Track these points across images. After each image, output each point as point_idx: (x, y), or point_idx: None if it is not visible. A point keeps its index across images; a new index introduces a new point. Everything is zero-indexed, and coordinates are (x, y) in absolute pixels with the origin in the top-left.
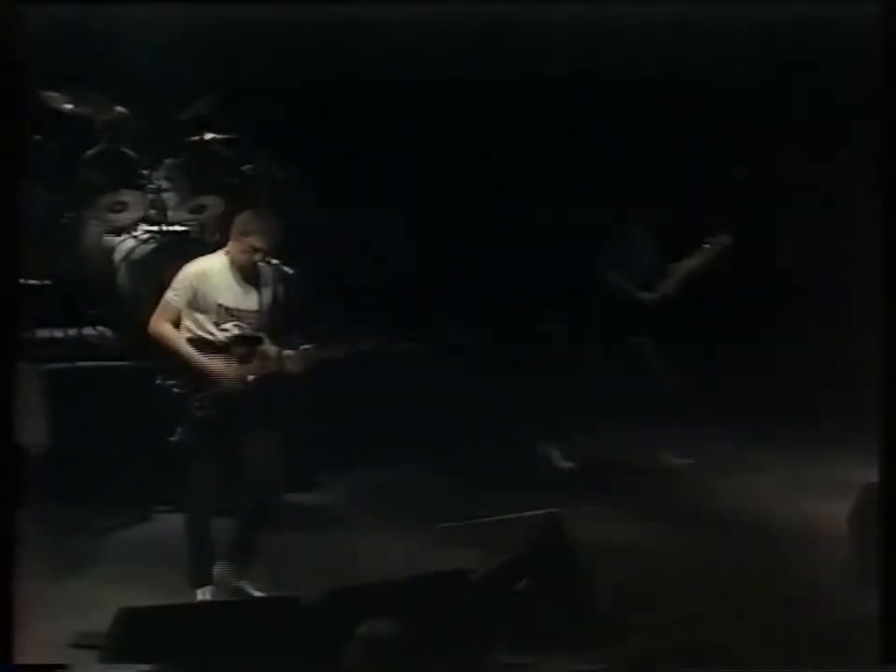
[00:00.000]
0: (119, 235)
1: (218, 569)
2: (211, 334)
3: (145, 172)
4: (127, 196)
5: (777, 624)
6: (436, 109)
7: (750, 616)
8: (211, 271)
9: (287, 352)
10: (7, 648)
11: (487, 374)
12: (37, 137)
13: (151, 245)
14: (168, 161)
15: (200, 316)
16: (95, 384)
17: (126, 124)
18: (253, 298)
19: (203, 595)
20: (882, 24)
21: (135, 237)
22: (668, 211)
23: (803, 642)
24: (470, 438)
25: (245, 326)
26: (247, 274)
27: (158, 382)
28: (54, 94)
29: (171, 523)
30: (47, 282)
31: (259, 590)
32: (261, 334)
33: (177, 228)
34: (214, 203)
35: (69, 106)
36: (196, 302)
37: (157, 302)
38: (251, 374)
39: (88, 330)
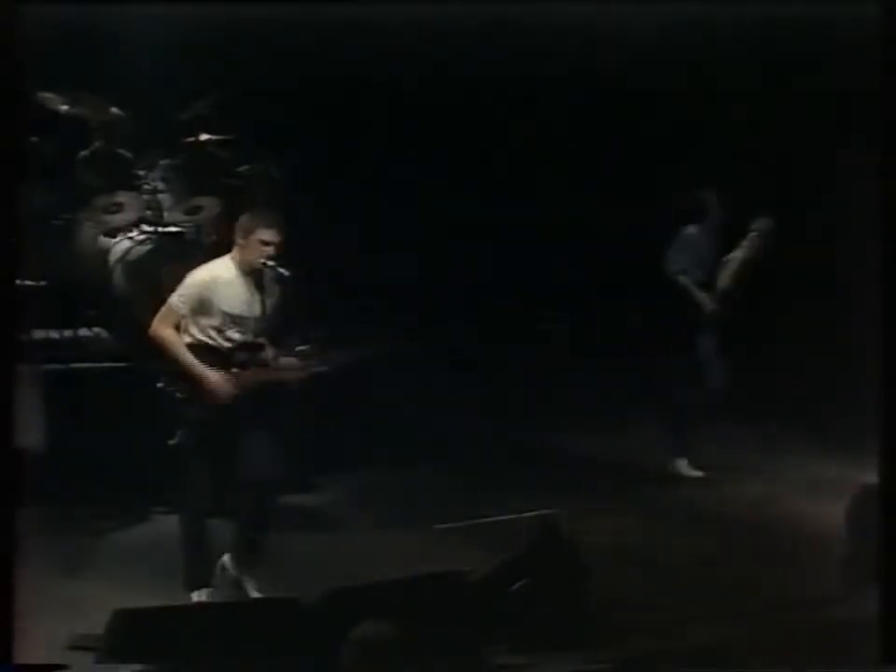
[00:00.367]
0: (114, 236)
1: (219, 568)
2: (213, 340)
3: (140, 173)
4: (123, 197)
5: (775, 624)
6: (434, 109)
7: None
8: (218, 278)
9: (288, 359)
10: (7, 648)
11: (486, 375)
12: (33, 138)
13: (147, 247)
14: (164, 161)
15: (203, 322)
16: (91, 385)
17: (122, 125)
18: (257, 304)
19: (200, 596)
20: (882, 24)
21: (131, 238)
22: (722, 207)
23: (801, 641)
24: (469, 438)
25: (247, 332)
26: (253, 280)
27: (159, 385)
28: (50, 95)
29: (167, 524)
30: (42, 283)
31: (257, 590)
32: (263, 340)
33: (173, 229)
34: (210, 205)
35: (65, 107)
36: (201, 309)
37: (155, 305)
38: (251, 380)
39: (83, 332)
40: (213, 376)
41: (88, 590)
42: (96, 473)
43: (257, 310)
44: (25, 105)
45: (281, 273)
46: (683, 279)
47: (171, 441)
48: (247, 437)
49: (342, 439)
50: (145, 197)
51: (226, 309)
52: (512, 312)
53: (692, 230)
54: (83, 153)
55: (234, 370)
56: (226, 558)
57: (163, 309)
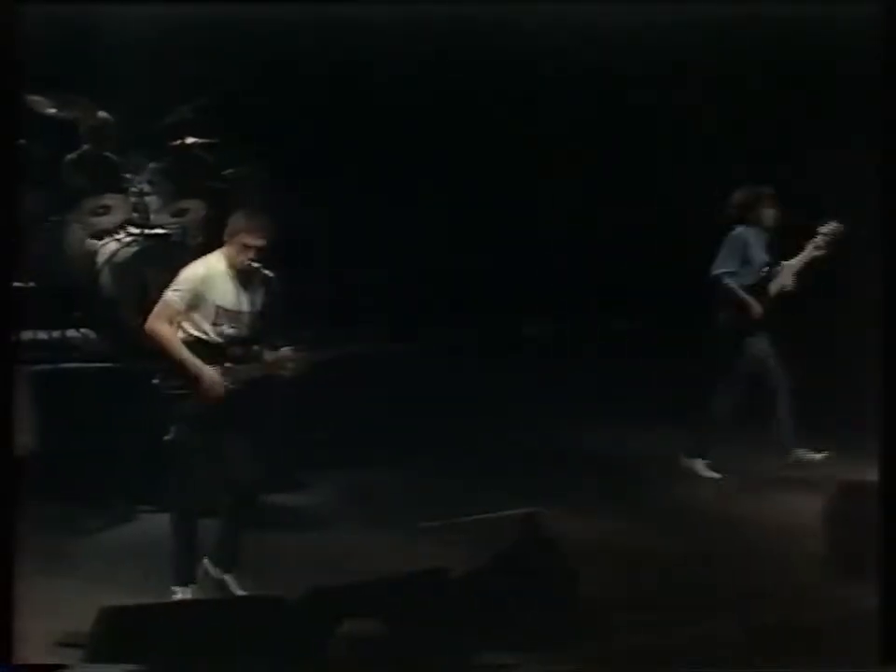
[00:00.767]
0: (101, 238)
1: (203, 566)
2: (207, 335)
3: (128, 175)
4: (110, 199)
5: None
6: (420, 108)
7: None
8: (213, 273)
9: (280, 353)
10: (7, 648)
11: (473, 375)
12: (22, 141)
13: (134, 248)
14: (151, 164)
15: (197, 317)
16: (79, 385)
17: (109, 128)
18: (247, 300)
19: (186, 594)
20: (882, 24)
21: (118, 240)
22: (776, 209)
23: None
24: (455, 438)
25: (240, 327)
26: (243, 277)
27: (154, 381)
28: (39, 98)
29: (153, 523)
30: (31, 284)
31: (243, 588)
32: (255, 336)
33: (160, 231)
34: (196, 207)
35: (53, 110)
36: (196, 304)
37: (142, 305)
38: (244, 375)
39: (71, 332)
40: (209, 372)
41: (73, 588)
42: (84, 473)
43: (247, 306)
44: (23, 108)
45: (265, 275)
46: (729, 282)
47: (166, 437)
48: (233, 436)
49: (328, 439)
50: (132, 199)
51: (220, 303)
52: (501, 313)
53: (740, 231)
54: (71, 156)
55: (228, 364)
56: (206, 562)
57: (159, 304)
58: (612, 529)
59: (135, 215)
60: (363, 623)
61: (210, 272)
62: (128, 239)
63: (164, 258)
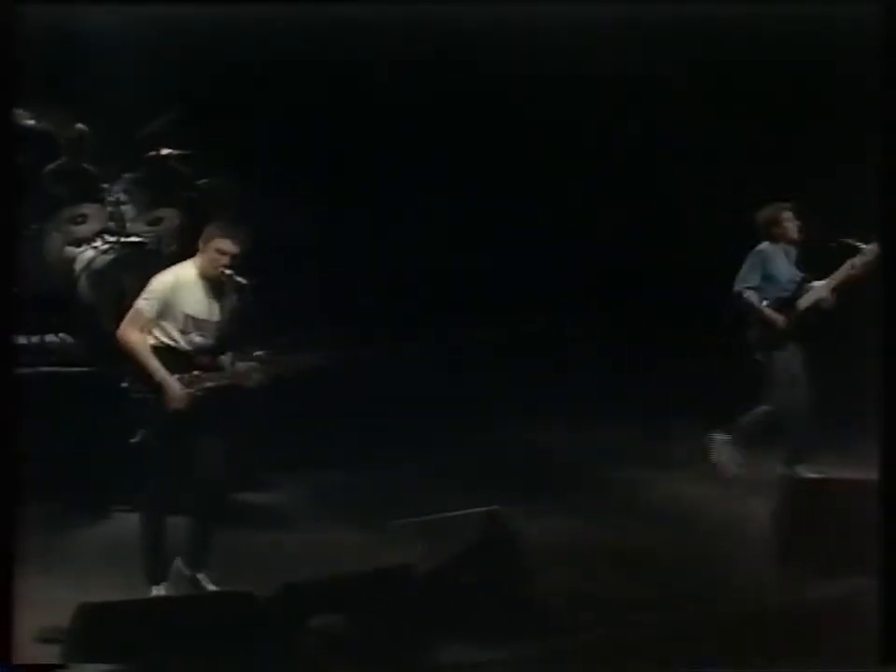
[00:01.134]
0: (79, 246)
1: (175, 565)
2: (176, 342)
3: (104, 186)
4: (87, 209)
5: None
6: (407, 112)
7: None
8: (182, 281)
9: (247, 363)
10: (7, 648)
11: (442, 378)
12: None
13: (110, 256)
14: (126, 175)
15: (167, 325)
16: (57, 387)
17: (87, 140)
18: (216, 309)
19: (159, 590)
20: (882, 24)
21: (95, 248)
22: (800, 225)
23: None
24: (421, 439)
25: (208, 336)
26: (213, 286)
27: (123, 385)
28: (18, 111)
29: (129, 521)
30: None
31: (215, 584)
32: (224, 344)
33: (135, 239)
34: (170, 216)
35: (32, 122)
36: (165, 312)
37: (118, 311)
38: (210, 383)
39: (50, 337)
40: (174, 382)
41: (51, 586)
42: (62, 472)
43: (217, 314)
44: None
45: (238, 282)
46: (751, 296)
47: (132, 440)
48: (202, 439)
49: (298, 440)
50: (108, 209)
51: (189, 312)
52: (474, 316)
53: (763, 247)
54: (50, 167)
55: (196, 372)
56: (178, 562)
57: (131, 312)
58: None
59: (112, 223)
60: (332, 618)
61: (179, 281)
62: (105, 247)
63: (140, 265)
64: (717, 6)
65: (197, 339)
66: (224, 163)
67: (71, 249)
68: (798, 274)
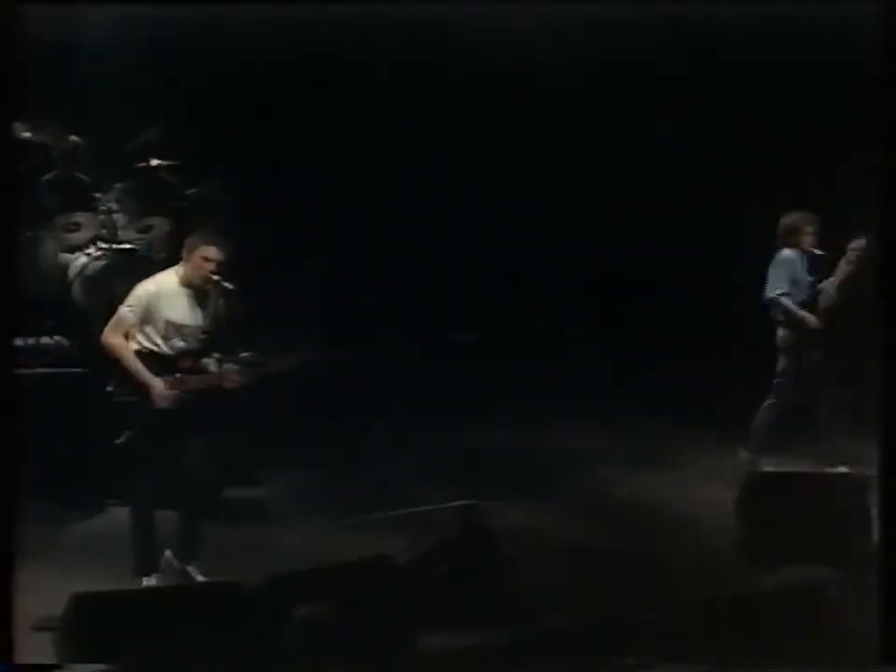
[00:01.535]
0: (73, 253)
1: (167, 555)
2: (158, 347)
3: (97, 195)
4: (80, 217)
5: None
6: (385, 112)
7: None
8: (163, 289)
9: (228, 366)
10: (8, 648)
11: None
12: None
13: (102, 262)
14: (118, 185)
15: (150, 330)
16: (53, 387)
17: (80, 151)
18: (199, 315)
19: (150, 581)
20: (882, 24)
21: (88, 254)
22: (818, 233)
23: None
24: (393, 439)
25: (190, 340)
26: (196, 293)
27: (108, 389)
28: (15, 123)
29: (121, 515)
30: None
31: (203, 575)
32: (205, 349)
33: (126, 246)
34: (160, 224)
35: (28, 134)
36: (148, 318)
37: (109, 315)
38: (194, 385)
39: (45, 339)
40: (156, 383)
41: (46, 577)
42: (56, 469)
43: (199, 320)
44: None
45: (225, 286)
46: (786, 301)
47: (117, 441)
48: (188, 438)
49: (282, 438)
50: (101, 217)
51: (170, 318)
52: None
53: (787, 253)
54: (45, 177)
55: (178, 375)
56: (168, 553)
57: (114, 318)
58: None
59: (104, 231)
60: (314, 606)
61: (161, 288)
62: (97, 253)
63: (131, 271)
64: (717, 6)
65: (179, 343)
66: (211, 169)
67: (65, 255)
68: (811, 278)
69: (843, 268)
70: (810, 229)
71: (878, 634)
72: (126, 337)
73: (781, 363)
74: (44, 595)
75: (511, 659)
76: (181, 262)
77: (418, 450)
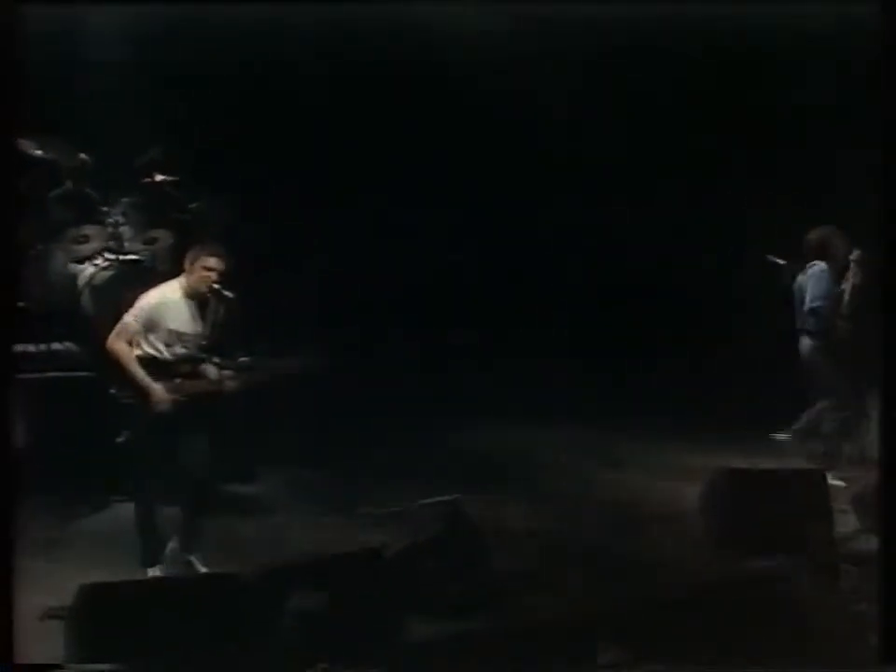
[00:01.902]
0: (82, 263)
1: (170, 548)
2: (160, 353)
3: (104, 209)
4: (89, 230)
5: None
6: (363, 128)
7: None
8: (166, 299)
9: (225, 371)
10: (8, 647)
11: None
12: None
13: (110, 272)
14: (124, 199)
15: (152, 338)
16: (62, 391)
17: (88, 168)
18: (199, 323)
19: (154, 572)
20: (882, 24)
21: (96, 265)
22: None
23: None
24: (386, 439)
25: (190, 347)
26: (197, 302)
27: (112, 392)
28: (26, 142)
29: (125, 510)
30: (21, 303)
31: (204, 566)
32: (204, 355)
33: (132, 257)
34: (164, 236)
35: (39, 152)
36: (151, 327)
37: (115, 322)
38: (192, 390)
39: (56, 345)
40: (157, 388)
41: (56, 569)
42: (66, 467)
43: (199, 328)
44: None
45: (225, 295)
46: (826, 310)
47: (118, 440)
48: (188, 437)
49: (277, 437)
50: (108, 230)
51: (172, 327)
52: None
53: (821, 266)
54: (55, 192)
55: (178, 379)
56: (173, 543)
57: (118, 326)
58: None
59: (111, 243)
60: (309, 596)
61: (163, 299)
62: (105, 264)
63: (137, 280)
64: (717, 6)
65: (180, 350)
66: (210, 169)
67: (74, 266)
68: (837, 289)
69: (849, 280)
70: (838, 241)
71: (878, 634)
72: (130, 344)
73: (818, 371)
74: (52, 586)
75: (493, 645)
76: (183, 273)
77: (417, 448)
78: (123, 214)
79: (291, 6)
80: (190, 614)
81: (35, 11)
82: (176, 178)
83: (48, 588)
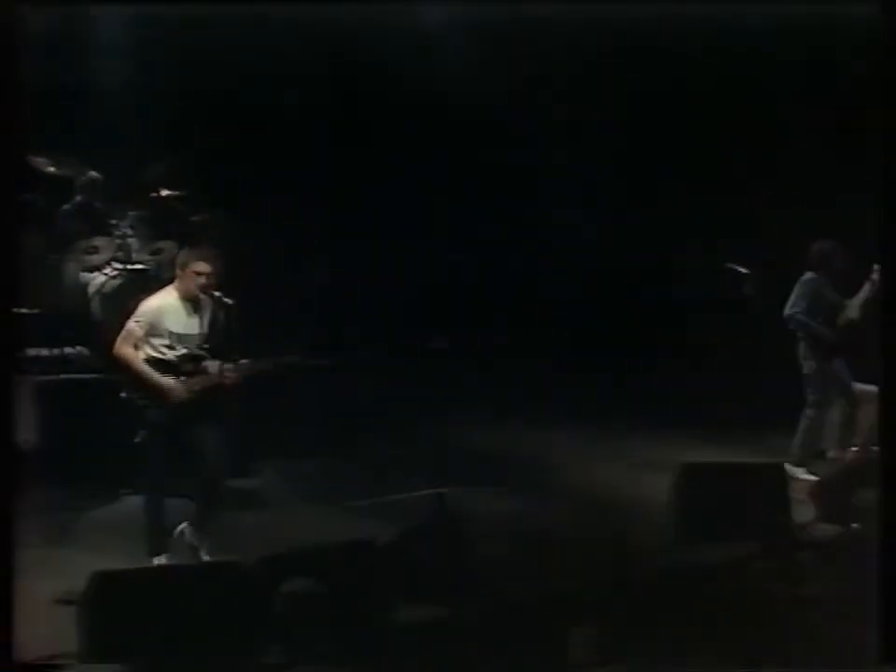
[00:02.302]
0: (92, 272)
1: (180, 532)
2: (164, 354)
3: (113, 222)
4: (99, 241)
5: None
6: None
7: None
8: (164, 303)
9: (226, 366)
10: (8, 647)
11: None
12: (28, 195)
13: (118, 281)
14: (132, 213)
15: (155, 341)
16: (74, 392)
17: (98, 183)
18: (197, 324)
19: (160, 561)
20: (882, 24)
21: (106, 274)
22: (845, 257)
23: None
24: (376, 435)
25: (191, 347)
26: (193, 304)
27: (122, 395)
28: (40, 159)
29: (134, 503)
30: (36, 310)
31: (208, 555)
32: (205, 353)
33: (139, 266)
34: (169, 247)
35: (52, 169)
36: (153, 330)
37: (122, 328)
38: (197, 387)
39: (68, 349)
40: (165, 383)
41: (71, 557)
42: (77, 462)
43: (197, 328)
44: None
45: (220, 298)
46: (801, 317)
47: (136, 440)
48: (198, 432)
49: (274, 432)
50: (116, 241)
51: (172, 329)
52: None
53: (811, 276)
54: (66, 206)
55: (182, 377)
56: (184, 526)
57: (123, 332)
58: None
59: (120, 253)
60: (304, 583)
61: (162, 303)
62: (114, 273)
63: (143, 289)
64: (717, 6)
65: (182, 350)
66: (211, 169)
67: (85, 275)
68: (838, 297)
69: (865, 291)
70: (837, 254)
71: (878, 634)
72: (135, 348)
73: (805, 372)
74: (67, 571)
75: (477, 630)
76: (176, 279)
77: (392, 444)
78: (131, 226)
79: (290, 5)
80: (195, 598)
81: (34, 11)
82: (180, 193)
83: (60, 574)
